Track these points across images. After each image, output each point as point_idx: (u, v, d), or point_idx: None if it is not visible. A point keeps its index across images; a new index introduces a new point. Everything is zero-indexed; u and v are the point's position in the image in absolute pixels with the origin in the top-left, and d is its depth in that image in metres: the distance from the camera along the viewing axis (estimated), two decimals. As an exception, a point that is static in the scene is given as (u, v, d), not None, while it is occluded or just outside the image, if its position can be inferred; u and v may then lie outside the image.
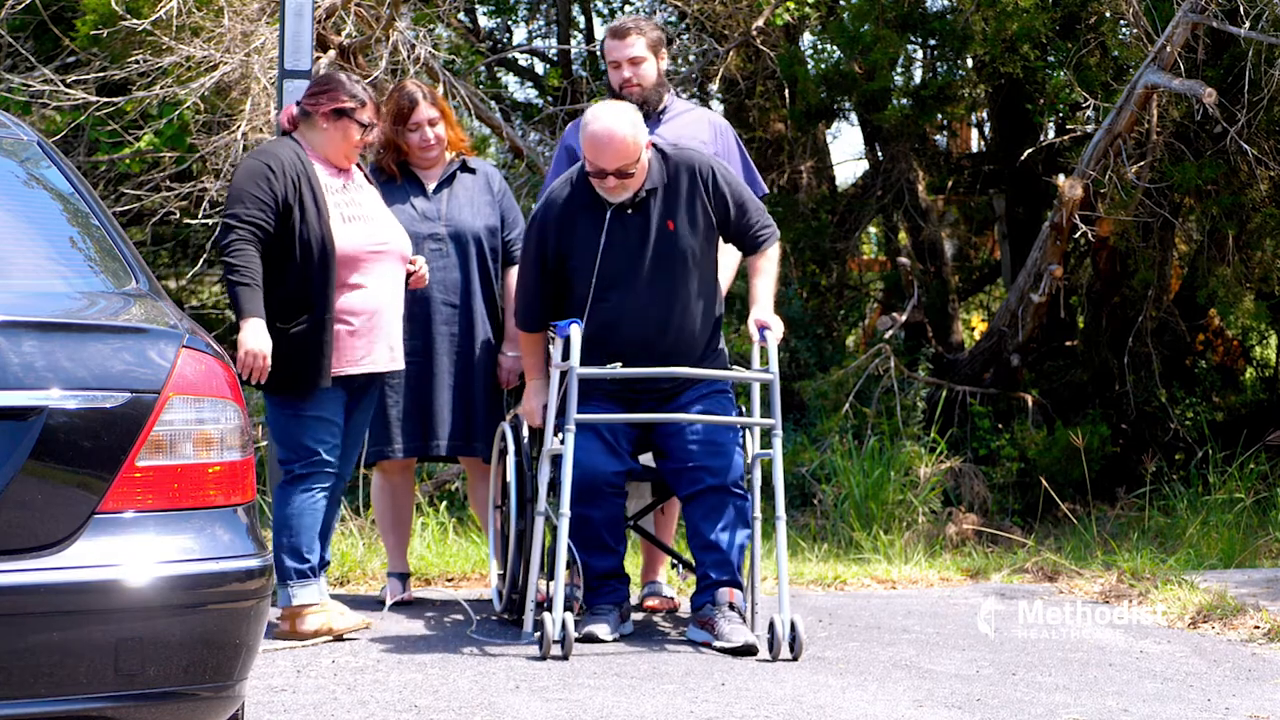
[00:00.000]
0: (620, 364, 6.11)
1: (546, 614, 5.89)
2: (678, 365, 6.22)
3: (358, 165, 6.47)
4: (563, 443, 6.04)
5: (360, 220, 6.28)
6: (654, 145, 6.30)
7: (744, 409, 6.52)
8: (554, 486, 6.11)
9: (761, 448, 6.22)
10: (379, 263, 6.27)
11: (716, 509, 6.20)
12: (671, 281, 6.23)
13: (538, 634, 5.94)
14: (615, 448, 6.24)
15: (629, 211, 6.22)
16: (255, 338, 5.97)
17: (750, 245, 6.38)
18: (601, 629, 6.18)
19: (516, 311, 6.52)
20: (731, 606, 6.15)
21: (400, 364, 6.41)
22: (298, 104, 6.38)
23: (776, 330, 6.21)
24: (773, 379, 6.13)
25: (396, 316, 6.36)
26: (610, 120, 6.14)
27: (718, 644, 6.07)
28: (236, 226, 6.04)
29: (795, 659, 5.92)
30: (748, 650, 6.01)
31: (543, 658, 5.84)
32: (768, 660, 5.93)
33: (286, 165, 6.14)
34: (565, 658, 5.85)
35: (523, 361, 6.55)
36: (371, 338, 6.25)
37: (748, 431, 6.32)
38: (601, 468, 6.20)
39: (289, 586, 6.19)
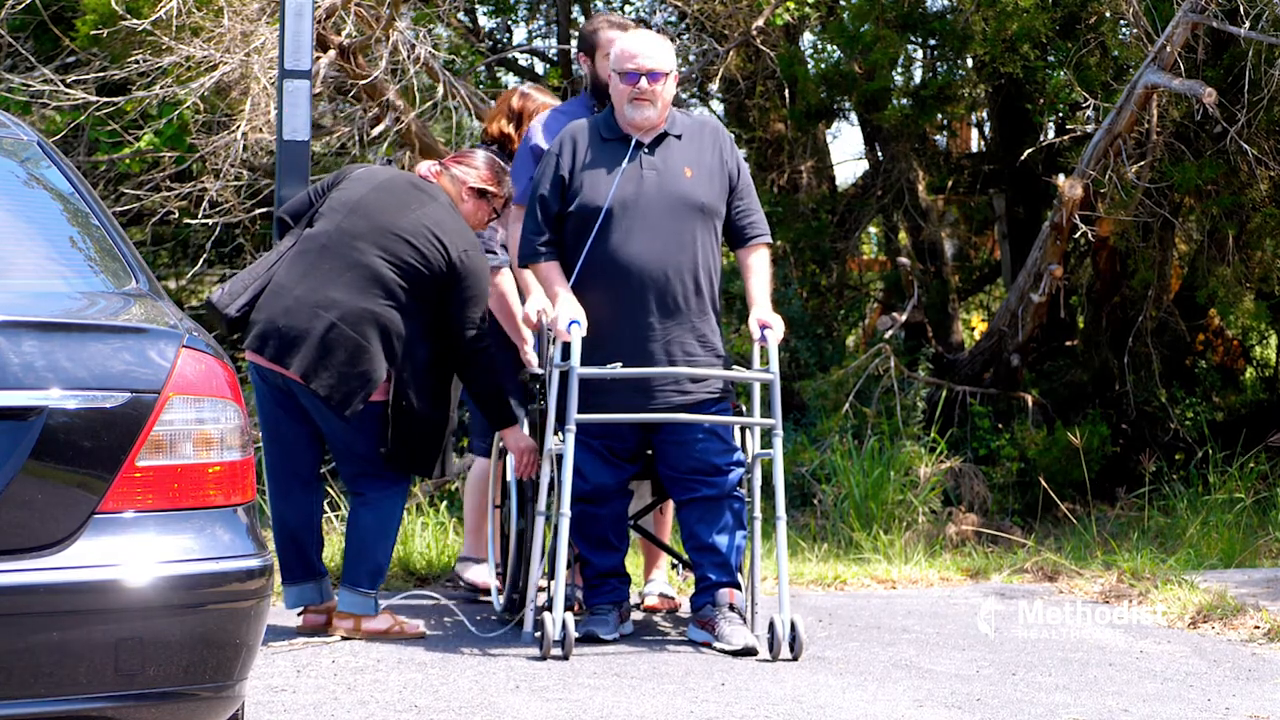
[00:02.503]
0: (620, 364, 6.08)
1: (546, 614, 5.89)
2: (677, 318, 6.13)
3: None
4: (563, 442, 6.03)
5: None
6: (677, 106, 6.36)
7: (744, 409, 6.51)
8: (553, 486, 6.10)
9: (762, 447, 6.21)
10: None
11: (713, 512, 6.19)
12: (679, 228, 6.14)
13: (538, 634, 5.94)
14: (612, 460, 6.23)
15: (646, 150, 6.20)
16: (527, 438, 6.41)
17: (741, 235, 6.32)
18: (601, 629, 6.18)
19: (531, 246, 6.24)
20: (732, 607, 6.15)
21: None
22: (441, 164, 6.44)
23: (777, 329, 6.18)
24: (773, 379, 6.11)
25: None
26: (636, 30, 6.34)
27: (718, 645, 6.07)
28: (487, 332, 6.27)
29: (795, 659, 5.91)
30: (748, 652, 6.01)
31: (543, 658, 5.84)
32: (768, 660, 5.93)
33: None
34: (565, 658, 5.84)
35: (546, 289, 6.25)
36: None
37: (748, 431, 6.32)
38: (602, 480, 6.20)
39: (378, 593, 6.32)
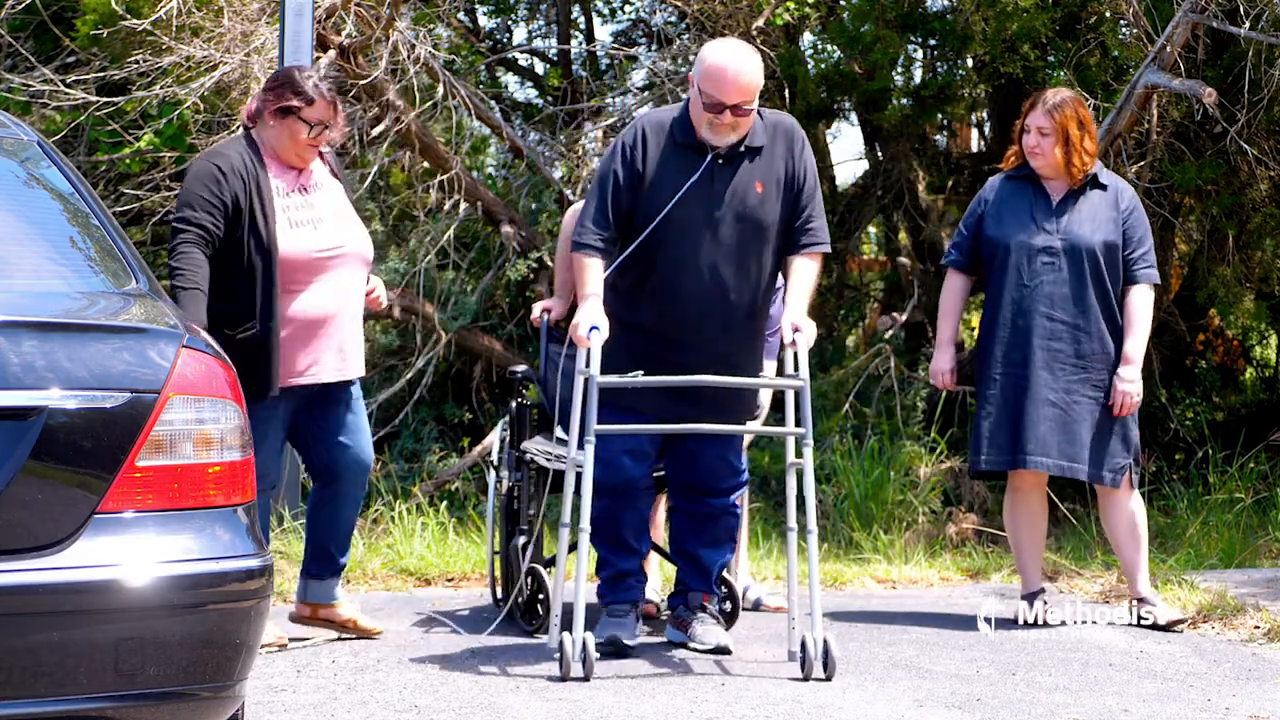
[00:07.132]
0: (643, 372, 5.85)
1: (566, 634, 5.65)
2: (733, 336, 5.98)
3: (325, 161, 6.23)
4: (582, 450, 5.79)
5: (309, 225, 6.03)
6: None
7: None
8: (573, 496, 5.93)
9: (795, 456, 5.98)
10: (329, 269, 6.03)
11: (703, 525, 6.17)
12: (744, 249, 5.95)
13: (557, 654, 5.69)
14: (642, 452, 6.07)
15: (720, 162, 5.95)
16: None
17: (797, 240, 6.05)
18: (623, 633, 6.03)
19: (586, 236, 5.94)
20: (703, 608, 6.14)
21: (352, 372, 6.13)
22: (255, 99, 6.19)
23: (808, 334, 5.93)
24: (803, 385, 5.86)
25: (351, 322, 6.11)
26: (735, 52, 5.89)
27: (692, 645, 6.06)
28: (184, 230, 5.83)
29: (829, 679, 5.66)
30: (720, 651, 6.00)
31: (563, 679, 5.60)
32: (769, 662, 5.93)
33: (236, 167, 5.91)
34: (586, 679, 5.59)
35: (577, 287, 6.02)
36: (317, 346, 6.02)
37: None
38: (629, 472, 6.04)
39: (338, 582, 6.30)
